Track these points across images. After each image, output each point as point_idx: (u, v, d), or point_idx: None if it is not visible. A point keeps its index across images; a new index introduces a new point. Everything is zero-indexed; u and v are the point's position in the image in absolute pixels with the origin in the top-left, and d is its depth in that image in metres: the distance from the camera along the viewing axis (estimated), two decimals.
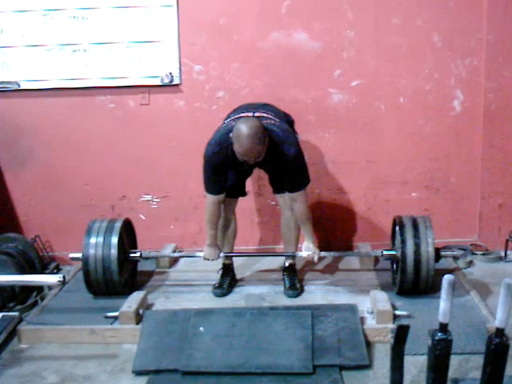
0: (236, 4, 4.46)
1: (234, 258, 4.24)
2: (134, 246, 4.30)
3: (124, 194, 4.79)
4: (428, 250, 3.75)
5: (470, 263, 4.59)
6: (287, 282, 4.04)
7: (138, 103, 4.68)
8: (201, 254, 4.04)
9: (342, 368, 3.14)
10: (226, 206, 4.02)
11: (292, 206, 3.86)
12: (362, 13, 4.49)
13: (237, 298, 3.96)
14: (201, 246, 4.76)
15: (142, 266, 4.49)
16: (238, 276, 4.27)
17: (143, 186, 4.77)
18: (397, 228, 3.93)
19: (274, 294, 3.98)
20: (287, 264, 4.12)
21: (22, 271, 4.22)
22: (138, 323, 3.57)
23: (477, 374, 2.92)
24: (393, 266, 4.13)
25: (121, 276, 3.96)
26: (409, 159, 4.68)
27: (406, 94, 4.61)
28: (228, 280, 4.11)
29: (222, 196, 3.83)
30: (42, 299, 4.08)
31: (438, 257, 3.83)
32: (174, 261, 4.63)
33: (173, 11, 4.49)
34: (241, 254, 4.36)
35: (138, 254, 4.15)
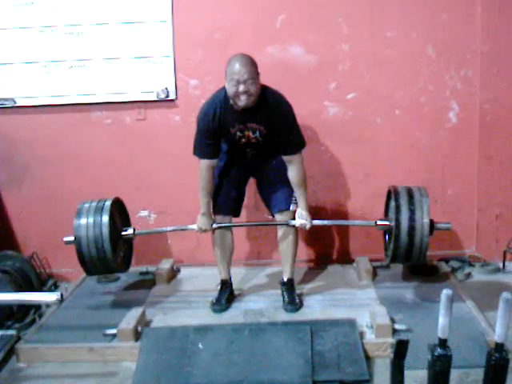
0: (231, 18, 4.47)
1: (232, 273, 4.21)
2: (126, 224, 4.28)
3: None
4: (423, 218, 3.69)
5: (468, 275, 4.58)
6: (286, 297, 4.02)
7: (133, 119, 4.68)
8: (194, 226, 4.01)
9: (341, 383, 3.13)
10: (221, 221, 4.02)
11: (288, 167, 3.85)
12: (356, 26, 4.51)
13: (235, 314, 3.94)
14: (199, 260, 4.80)
15: (141, 282, 4.51)
16: (236, 291, 4.25)
17: (140, 202, 4.76)
18: (391, 196, 3.88)
19: (273, 310, 3.96)
20: (285, 279, 4.11)
21: (20, 289, 4.21)
22: (136, 340, 3.55)
23: None
24: (385, 238, 4.12)
25: (115, 254, 3.94)
26: (405, 171, 4.68)
27: (401, 107, 4.62)
28: (226, 296, 4.09)
29: (213, 161, 3.85)
30: (40, 317, 4.07)
31: (432, 227, 3.78)
32: (172, 276, 4.62)
33: (168, 26, 4.50)
34: (237, 225, 4.20)
35: (130, 232, 4.14)
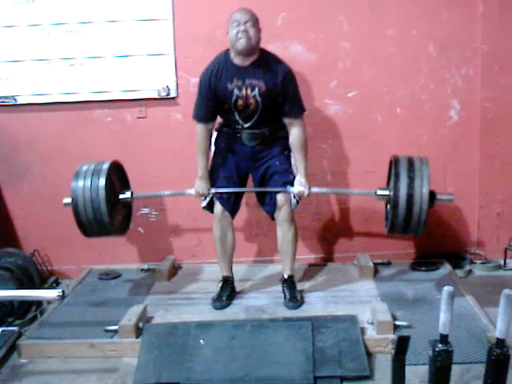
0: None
1: (234, 271, 4.22)
2: (125, 187, 4.27)
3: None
4: (422, 186, 3.61)
5: (469, 272, 4.59)
6: (287, 294, 4.02)
7: (135, 116, 4.68)
8: (191, 190, 4.04)
9: (343, 379, 3.14)
10: (222, 219, 4.03)
11: (289, 131, 3.90)
12: (357, 24, 4.51)
13: (237, 311, 3.95)
14: (200, 258, 4.81)
15: (141, 279, 4.52)
16: (238, 287, 4.25)
17: (141, 200, 4.76)
18: (392, 168, 3.83)
19: (274, 306, 3.96)
20: (286, 276, 4.12)
21: (21, 286, 4.21)
22: (137, 337, 3.56)
23: (478, 383, 2.93)
24: (387, 208, 4.05)
25: (112, 218, 3.93)
26: None
27: (402, 105, 4.62)
28: (227, 292, 4.10)
29: (209, 125, 3.94)
30: (42, 313, 4.07)
31: (432, 198, 3.70)
32: (172, 273, 4.62)
33: (169, 24, 4.50)
34: (236, 190, 4.06)
35: (128, 195, 4.15)
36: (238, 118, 3.88)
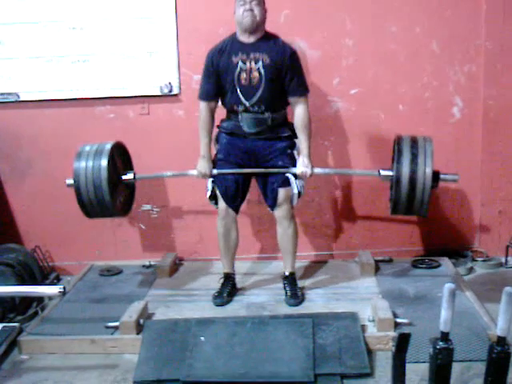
0: None
1: (235, 268, 4.22)
2: (128, 168, 4.25)
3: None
4: (425, 165, 3.59)
5: (471, 270, 4.59)
6: (288, 291, 4.02)
7: (137, 113, 4.69)
8: (194, 171, 4.01)
9: (343, 376, 3.13)
10: (226, 216, 4.03)
11: (293, 110, 3.93)
12: (360, 21, 4.51)
13: (237, 307, 3.95)
14: (201, 254, 4.81)
15: (142, 276, 4.51)
16: (239, 284, 4.25)
17: (143, 196, 4.76)
18: (396, 148, 3.78)
19: (275, 303, 3.96)
20: (287, 273, 4.11)
21: (23, 282, 4.21)
22: (138, 333, 3.56)
23: (479, 381, 2.93)
24: (391, 189, 3.93)
25: (114, 198, 3.92)
26: None
27: (405, 102, 4.62)
28: (228, 289, 4.09)
29: (212, 103, 3.97)
30: (43, 309, 4.07)
31: (436, 178, 3.67)
32: (173, 270, 4.62)
33: (171, 21, 4.50)
34: (238, 171, 3.98)
35: (130, 176, 4.13)
36: (240, 95, 3.85)
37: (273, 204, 3.98)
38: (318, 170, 3.95)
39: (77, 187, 3.88)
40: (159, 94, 4.63)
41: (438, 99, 4.61)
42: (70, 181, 3.92)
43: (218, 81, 3.89)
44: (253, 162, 3.99)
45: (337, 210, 4.82)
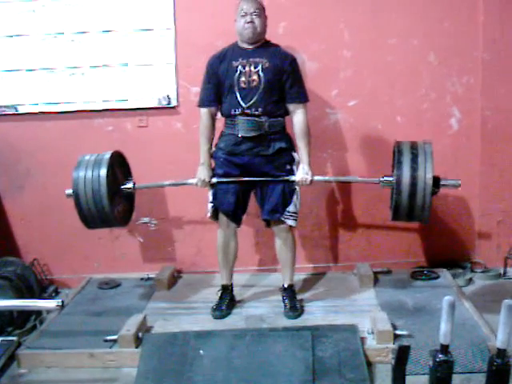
0: (233, 26, 4.45)
1: (234, 279, 4.21)
2: (127, 178, 4.23)
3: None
4: (425, 177, 3.57)
5: (470, 281, 4.58)
6: (287, 304, 4.01)
7: (135, 126, 4.69)
8: (193, 180, 4.00)
9: None
10: (226, 228, 4.04)
11: (292, 118, 3.93)
12: (358, 33, 4.52)
13: (236, 320, 3.94)
14: (200, 267, 4.79)
15: (140, 290, 4.50)
16: (238, 297, 4.24)
17: (141, 208, 4.75)
18: (395, 151, 3.78)
19: (274, 315, 3.96)
20: (286, 285, 4.11)
21: (21, 295, 4.20)
22: (137, 346, 3.55)
23: None
24: (392, 196, 3.93)
25: (113, 208, 3.90)
26: None
27: (403, 113, 4.63)
28: (226, 301, 4.09)
29: (212, 109, 3.97)
30: (41, 323, 4.06)
31: (437, 184, 3.66)
32: (172, 283, 4.61)
33: (170, 34, 4.51)
34: (238, 180, 3.95)
35: (130, 186, 4.12)
36: (238, 97, 3.84)
37: (267, 218, 4.02)
38: (317, 178, 3.96)
39: (76, 197, 3.87)
40: (157, 106, 4.63)
41: (436, 111, 4.62)
42: (69, 191, 3.92)
43: (217, 86, 3.90)
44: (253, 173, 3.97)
45: (335, 221, 4.81)
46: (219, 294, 4.14)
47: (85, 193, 3.84)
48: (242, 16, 3.79)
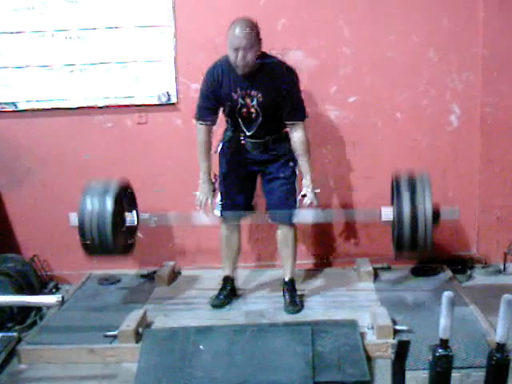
0: None
1: (236, 273, 4.27)
2: (133, 207, 4.23)
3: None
4: (425, 208, 3.60)
5: (470, 277, 4.59)
6: (287, 298, 4.03)
7: (135, 122, 4.68)
8: (196, 214, 4.08)
9: None
10: (229, 221, 4.11)
11: (291, 135, 3.87)
12: (358, 29, 4.51)
13: (236, 315, 3.95)
14: (199, 263, 4.80)
15: (141, 284, 4.50)
16: (238, 292, 4.27)
17: (141, 205, 4.73)
18: (394, 186, 3.81)
19: (274, 311, 3.96)
20: (287, 279, 4.12)
21: (21, 291, 4.20)
22: (137, 342, 3.55)
23: None
24: (393, 228, 3.95)
25: (116, 239, 3.89)
26: None
27: (402, 110, 4.62)
28: (226, 292, 4.14)
29: (210, 127, 3.92)
30: (41, 319, 4.06)
31: (437, 213, 3.70)
32: (172, 278, 4.62)
33: (170, 31, 4.51)
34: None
35: (134, 217, 4.12)
36: (241, 124, 3.89)
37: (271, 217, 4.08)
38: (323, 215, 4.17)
39: (81, 227, 3.87)
40: (157, 103, 4.63)
41: (436, 107, 4.61)
42: (74, 217, 3.94)
43: (217, 105, 3.88)
44: (256, 167, 4.04)
45: None
46: (220, 285, 4.16)
47: (90, 223, 3.84)
48: (234, 50, 3.58)
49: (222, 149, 4.07)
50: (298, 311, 3.96)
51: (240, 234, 4.17)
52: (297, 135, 3.84)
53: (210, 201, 4.00)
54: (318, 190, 3.94)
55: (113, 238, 3.82)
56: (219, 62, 3.81)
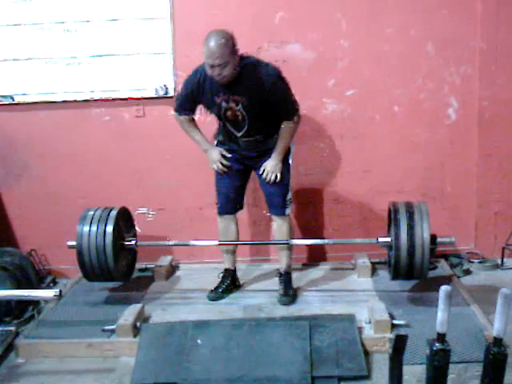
0: (230, 15, 4.46)
1: (236, 265, 4.30)
2: (131, 232, 4.27)
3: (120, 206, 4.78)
4: (423, 236, 3.67)
5: (467, 271, 4.59)
6: (281, 289, 4.07)
7: (132, 115, 4.68)
8: (195, 242, 4.13)
9: (340, 379, 3.14)
10: (224, 212, 4.12)
11: (281, 124, 3.87)
12: (355, 22, 4.50)
13: (234, 309, 3.94)
14: (197, 257, 4.79)
15: (139, 278, 4.49)
16: (240, 283, 4.31)
17: (139, 199, 4.76)
18: (391, 213, 3.85)
19: (271, 305, 3.97)
20: (282, 271, 4.15)
21: (19, 285, 4.20)
22: (135, 336, 3.55)
23: (476, 382, 2.94)
24: (389, 254, 4.06)
25: (117, 264, 3.93)
26: (404, 168, 4.69)
27: (400, 103, 4.62)
28: (224, 285, 4.17)
29: (192, 116, 3.98)
30: (39, 313, 4.07)
31: (434, 243, 3.76)
32: (170, 272, 4.62)
33: (167, 23, 4.50)
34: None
35: (132, 243, 4.14)
36: (229, 126, 3.89)
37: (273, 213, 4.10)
38: (314, 242, 4.30)
39: (79, 252, 3.92)
40: (154, 96, 4.62)
41: (434, 101, 4.61)
42: (73, 243, 3.98)
43: (195, 107, 3.94)
44: (252, 166, 4.07)
45: (333, 212, 4.81)
46: (220, 277, 4.19)
47: (88, 246, 3.90)
48: (209, 66, 3.56)
49: (216, 143, 4.09)
50: (291, 303, 3.99)
51: (237, 225, 4.18)
52: (285, 126, 3.84)
53: (223, 160, 4.00)
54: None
55: (114, 261, 3.90)
56: (200, 67, 3.76)
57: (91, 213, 4.01)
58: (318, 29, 4.52)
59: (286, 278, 4.13)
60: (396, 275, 3.83)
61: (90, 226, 3.93)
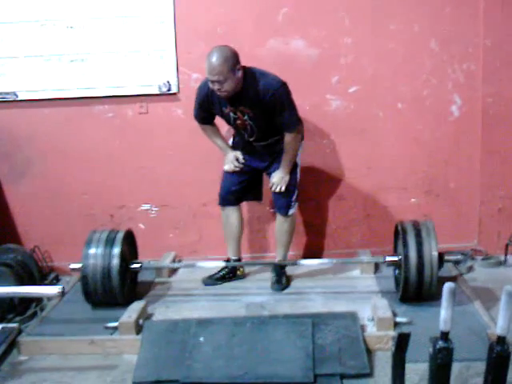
0: (233, 12, 4.46)
1: (239, 253, 4.37)
2: (134, 255, 4.27)
3: (123, 203, 4.78)
4: (431, 255, 3.73)
5: (470, 268, 4.58)
6: (273, 277, 4.19)
7: (136, 112, 4.67)
8: (201, 263, 4.15)
9: (342, 377, 3.13)
10: (225, 203, 4.21)
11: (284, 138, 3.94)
12: (359, 19, 4.49)
13: (237, 307, 3.94)
14: (200, 254, 4.79)
15: (142, 276, 4.46)
16: (238, 284, 4.31)
17: (142, 195, 4.76)
18: (399, 234, 3.89)
19: (274, 302, 3.97)
20: (276, 260, 4.28)
21: (21, 282, 4.20)
22: (138, 333, 3.56)
23: (478, 380, 2.92)
24: (395, 272, 4.11)
25: (122, 287, 3.94)
26: (408, 165, 4.68)
27: (404, 100, 4.60)
28: (221, 274, 4.30)
29: (208, 125, 4.13)
30: (42, 310, 4.07)
31: (441, 262, 3.80)
32: (173, 270, 4.61)
33: (170, 20, 4.48)
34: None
35: (138, 265, 4.13)
36: (243, 133, 3.98)
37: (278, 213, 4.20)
38: (314, 261, 4.28)
39: (84, 277, 3.91)
40: (158, 92, 4.61)
41: (437, 97, 4.59)
42: (77, 265, 3.98)
43: (210, 114, 4.04)
44: (262, 168, 4.19)
45: (336, 208, 4.80)
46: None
47: (94, 269, 3.90)
48: (211, 81, 3.66)
49: (232, 143, 4.20)
50: (283, 289, 4.15)
51: (240, 214, 4.27)
52: (286, 139, 3.91)
53: (236, 163, 4.09)
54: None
55: (120, 287, 3.92)
56: (206, 82, 3.84)
57: (97, 235, 4.03)
58: (321, 25, 4.50)
59: (279, 266, 4.23)
60: (405, 295, 3.84)
61: (97, 248, 3.94)
